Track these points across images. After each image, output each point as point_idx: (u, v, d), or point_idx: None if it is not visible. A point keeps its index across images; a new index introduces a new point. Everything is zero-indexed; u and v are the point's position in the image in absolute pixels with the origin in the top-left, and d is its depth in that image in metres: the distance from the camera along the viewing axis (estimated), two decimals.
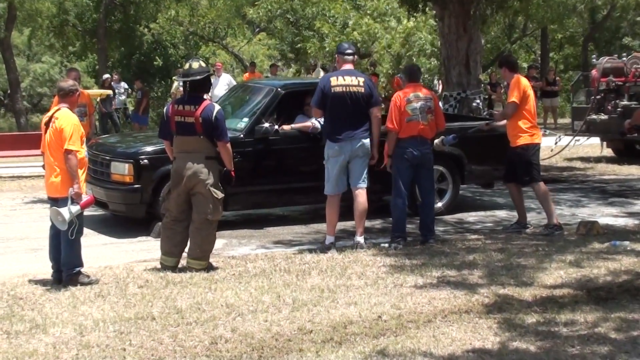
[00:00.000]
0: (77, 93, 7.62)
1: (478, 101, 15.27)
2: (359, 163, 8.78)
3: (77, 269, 7.44)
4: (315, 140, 9.80)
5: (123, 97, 23.93)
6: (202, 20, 31.10)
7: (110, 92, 20.87)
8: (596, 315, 6.29)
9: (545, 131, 19.15)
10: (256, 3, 26.03)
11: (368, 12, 22.24)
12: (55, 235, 7.53)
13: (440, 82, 23.56)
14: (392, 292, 7.02)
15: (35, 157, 15.47)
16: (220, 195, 7.87)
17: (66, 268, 7.43)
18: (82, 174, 7.39)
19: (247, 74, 24.30)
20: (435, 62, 22.42)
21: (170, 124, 7.96)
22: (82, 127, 7.52)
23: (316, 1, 22.31)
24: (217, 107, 7.89)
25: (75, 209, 7.29)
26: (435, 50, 22.07)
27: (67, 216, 7.23)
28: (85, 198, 7.40)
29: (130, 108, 24.85)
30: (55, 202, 7.43)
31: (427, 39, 21.74)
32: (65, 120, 7.30)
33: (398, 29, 21.45)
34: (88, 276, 7.50)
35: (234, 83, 21.02)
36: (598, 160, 16.52)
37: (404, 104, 9.00)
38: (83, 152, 7.43)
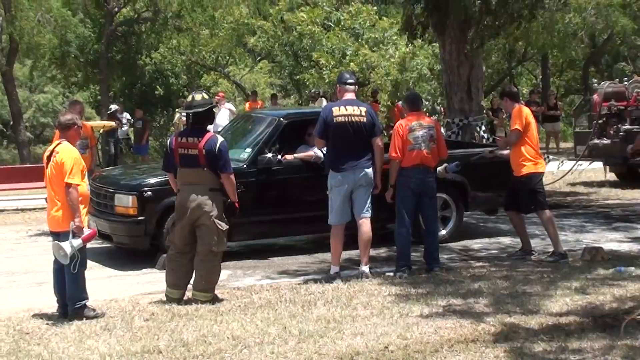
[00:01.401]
0: (76, 127, 7.62)
1: (483, 128, 15.31)
2: (363, 192, 8.79)
3: (82, 302, 7.44)
4: (318, 169, 9.82)
5: (125, 127, 24.02)
6: (204, 49, 31.27)
7: (113, 123, 20.95)
8: (603, 343, 6.27)
9: (547, 157, 19.23)
10: (256, 33, 26.20)
11: (364, 42, 22.36)
12: (59, 270, 7.53)
13: (441, 107, 23.65)
14: (398, 322, 7.01)
15: (38, 189, 15.52)
16: (224, 227, 7.88)
17: (71, 302, 7.42)
18: (83, 208, 7.39)
19: (248, 103, 24.43)
20: (435, 84, 22.50)
21: (174, 157, 7.99)
22: (83, 161, 7.56)
23: (311, 33, 22.43)
24: (220, 139, 7.92)
25: (77, 242, 7.29)
26: (434, 74, 22.18)
27: (68, 250, 7.24)
28: (87, 232, 7.41)
29: (132, 138, 24.94)
30: (57, 236, 7.44)
31: (424, 63, 21.82)
32: (65, 154, 7.35)
33: (395, 56, 21.56)
34: (94, 309, 7.49)
35: (236, 112, 21.11)
36: (601, 184, 16.54)
37: (407, 133, 9.03)
38: (84, 186, 7.45)
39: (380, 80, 21.43)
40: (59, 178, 7.32)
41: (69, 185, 7.25)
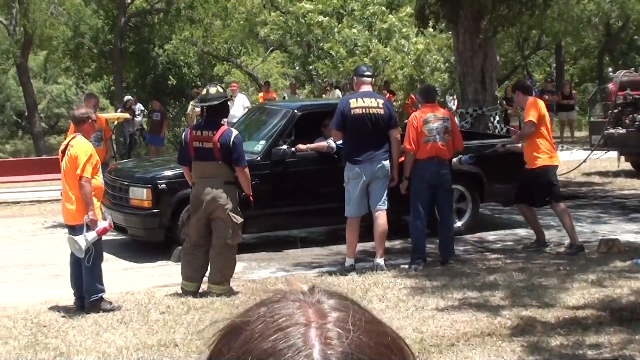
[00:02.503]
0: (90, 120, 7.64)
1: (497, 119, 15.24)
2: (379, 185, 8.78)
3: (99, 295, 7.47)
4: (333, 161, 9.81)
5: (139, 118, 24.03)
6: (216, 40, 31.26)
7: (128, 115, 20.97)
8: (621, 337, 6.24)
9: (562, 147, 19.14)
10: (267, 23, 26.16)
11: (375, 33, 22.27)
12: (76, 263, 7.56)
13: (454, 98, 23.56)
14: (413, 315, 7.00)
15: (54, 181, 15.58)
16: (239, 219, 7.89)
17: (88, 295, 7.46)
18: (96, 201, 7.43)
19: (262, 94, 24.43)
20: (446, 77, 22.39)
21: (189, 150, 8.00)
22: (97, 155, 7.59)
23: (319, 23, 22.36)
24: (234, 132, 7.92)
25: (91, 236, 7.30)
26: (448, 65, 22.06)
27: (83, 244, 7.25)
28: (101, 224, 7.41)
29: (146, 128, 24.93)
30: (72, 229, 7.48)
31: (439, 59, 21.73)
32: (79, 147, 7.38)
33: (408, 51, 21.46)
34: (110, 302, 7.52)
35: (249, 104, 21.11)
36: (617, 174, 16.42)
37: (421, 125, 9.00)
38: (98, 180, 7.49)
39: (393, 74, 21.34)
40: (72, 172, 7.36)
41: (81, 178, 7.27)
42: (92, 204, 7.30)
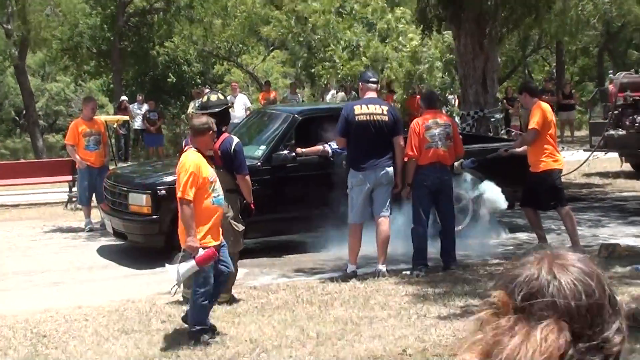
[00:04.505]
0: (211, 132, 6.83)
1: (497, 116, 15.23)
2: (383, 191, 8.76)
3: (200, 328, 6.71)
4: (333, 166, 9.80)
5: (138, 121, 23.82)
6: (217, 38, 31.19)
7: (127, 117, 20.89)
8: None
9: (562, 147, 19.12)
10: (269, 21, 26.10)
11: (376, 32, 22.27)
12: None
13: (455, 98, 23.52)
14: (415, 324, 6.97)
15: (53, 184, 15.57)
16: (240, 227, 7.85)
17: (191, 325, 6.76)
18: (203, 225, 6.59)
19: (262, 93, 24.39)
20: (446, 77, 22.36)
21: None
22: (207, 170, 6.67)
23: (324, 23, 22.31)
24: (235, 140, 7.88)
25: (185, 267, 6.44)
26: (447, 63, 22.04)
27: (174, 275, 6.46)
28: (201, 253, 6.46)
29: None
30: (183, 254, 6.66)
31: (435, 55, 21.71)
32: (182, 165, 6.63)
33: (407, 47, 21.46)
34: (212, 332, 6.77)
35: (249, 104, 21.09)
36: (616, 175, 16.43)
37: (423, 131, 8.98)
38: (210, 199, 6.66)
39: (394, 74, 21.33)
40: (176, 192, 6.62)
41: (180, 200, 6.54)
42: (192, 229, 6.45)
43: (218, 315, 7.41)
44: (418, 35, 19.45)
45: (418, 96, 19.88)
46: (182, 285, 7.98)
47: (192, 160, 6.61)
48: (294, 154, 10.15)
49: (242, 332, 6.88)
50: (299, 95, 25.79)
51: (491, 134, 14.08)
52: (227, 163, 7.75)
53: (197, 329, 6.67)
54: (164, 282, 8.98)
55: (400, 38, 21.79)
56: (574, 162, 15.25)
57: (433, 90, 12.32)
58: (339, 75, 21.15)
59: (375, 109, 8.75)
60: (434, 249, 9.31)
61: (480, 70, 14.49)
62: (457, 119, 16.64)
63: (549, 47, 35.01)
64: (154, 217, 9.71)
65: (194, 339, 6.65)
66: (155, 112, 23.61)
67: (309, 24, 22.90)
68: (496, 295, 1.51)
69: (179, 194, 6.55)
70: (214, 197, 6.70)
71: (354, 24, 22.48)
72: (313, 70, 24.37)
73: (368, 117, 8.69)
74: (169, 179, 9.76)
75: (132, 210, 9.91)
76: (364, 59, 20.60)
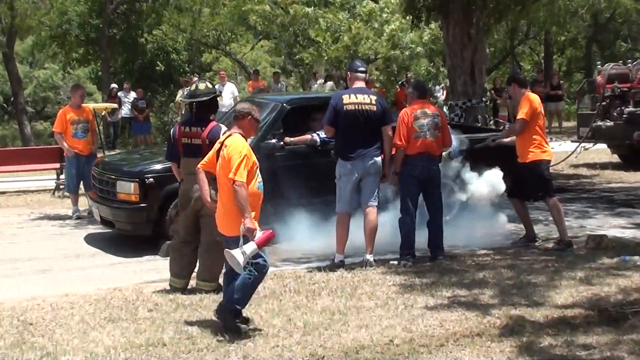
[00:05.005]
0: (250, 117, 6.84)
1: (484, 99, 15.23)
2: (371, 181, 8.77)
3: (239, 309, 6.71)
4: (323, 155, 9.78)
5: (125, 109, 23.74)
6: (206, 27, 31.08)
7: (115, 105, 20.80)
8: (609, 338, 6.25)
9: (550, 138, 19.16)
10: (257, 8, 26.04)
11: (356, 15, 22.32)
12: (231, 271, 6.78)
13: (443, 88, 23.54)
14: (402, 314, 6.99)
15: (40, 171, 15.52)
16: None
17: (231, 303, 6.70)
18: (256, 207, 6.64)
19: (250, 82, 24.33)
20: (431, 67, 22.38)
21: (177, 146, 7.95)
22: (253, 156, 6.70)
23: (304, 14, 22.29)
24: (223, 128, 7.86)
25: (249, 248, 6.44)
26: (429, 51, 22.05)
27: (240, 259, 6.43)
28: (260, 234, 6.52)
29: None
30: (228, 242, 6.69)
31: (415, 41, 21.69)
32: (233, 148, 6.59)
33: (385, 31, 21.49)
34: (245, 323, 6.73)
35: (237, 93, 21.03)
36: (604, 166, 16.50)
37: (412, 121, 8.98)
38: (255, 185, 6.67)
39: (367, 51, 21.36)
40: (225, 174, 6.59)
41: (234, 182, 6.48)
42: (247, 211, 6.44)
43: (205, 304, 7.42)
44: (398, 21, 19.46)
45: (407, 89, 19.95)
46: (169, 274, 8.04)
47: (244, 144, 6.63)
48: (282, 142, 10.13)
49: None
50: (282, 84, 25.70)
51: (479, 124, 14.10)
52: None
53: (238, 308, 6.64)
54: (151, 270, 9.04)
55: (381, 22, 21.83)
56: (561, 153, 15.29)
57: (422, 81, 12.30)
58: (325, 59, 21.12)
59: (364, 98, 8.75)
60: (421, 238, 9.34)
61: (469, 60, 14.50)
62: (444, 109, 16.66)
63: (537, 38, 35.05)
64: (142, 205, 9.69)
65: (231, 314, 6.59)
66: (143, 100, 23.50)
67: (290, 13, 22.88)
68: None
69: (231, 175, 6.48)
70: (259, 182, 6.75)
71: (337, 12, 22.48)
72: (297, 57, 24.33)
73: (356, 107, 8.69)
74: (157, 167, 9.76)
75: (120, 198, 9.88)
76: (345, 38, 20.61)
